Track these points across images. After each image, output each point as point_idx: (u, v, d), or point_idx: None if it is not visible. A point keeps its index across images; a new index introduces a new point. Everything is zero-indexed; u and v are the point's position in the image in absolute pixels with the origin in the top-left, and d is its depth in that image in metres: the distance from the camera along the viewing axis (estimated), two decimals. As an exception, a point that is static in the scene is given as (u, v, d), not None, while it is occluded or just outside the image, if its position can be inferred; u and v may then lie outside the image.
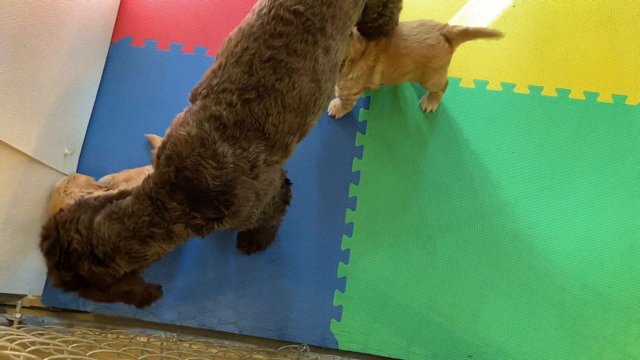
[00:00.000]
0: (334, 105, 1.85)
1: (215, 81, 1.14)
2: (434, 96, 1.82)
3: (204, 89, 1.15)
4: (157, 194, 1.09)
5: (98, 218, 1.11)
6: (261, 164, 1.14)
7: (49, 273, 1.13)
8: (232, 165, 1.09)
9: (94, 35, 1.88)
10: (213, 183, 1.08)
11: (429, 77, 1.65)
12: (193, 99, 1.18)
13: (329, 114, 1.87)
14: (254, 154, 1.12)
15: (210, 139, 1.08)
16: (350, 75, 1.61)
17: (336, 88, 1.72)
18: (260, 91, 1.11)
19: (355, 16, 1.28)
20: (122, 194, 1.18)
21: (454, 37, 1.55)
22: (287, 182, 1.48)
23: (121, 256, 1.11)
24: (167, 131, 1.15)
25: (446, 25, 1.56)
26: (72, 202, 1.54)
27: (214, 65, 1.17)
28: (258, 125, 1.12)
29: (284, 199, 1.47)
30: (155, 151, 1.14)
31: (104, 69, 1.98)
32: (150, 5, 2.07)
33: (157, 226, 1.10)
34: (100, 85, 1.96)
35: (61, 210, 1.16)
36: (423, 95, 1.87)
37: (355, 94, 1.71)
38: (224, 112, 1.10)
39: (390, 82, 1.70)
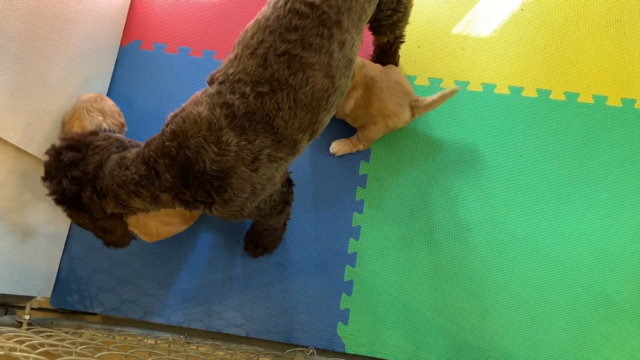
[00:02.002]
0: None
1: (231, 70, 1.15)
2: (350, 142, 1.80)
3: (221, 75, 1.17)
4: (155, 163, 1.13)
5: (114, 156, 1.17)
6: (264, 158, 1.15)
7: (51, 175, 1.16)
8: (233, 154, 1.11)
9: (103, 39, 1.89)
10: (211, 167, 1.11)
11: (378, 128, 1.70)
12: (210, 82, 1.20)
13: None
14: (258, 147, 1.13)
15: (218, 124, 1.10)
16: None
17: None
18: (274, 85, 1.12)
19: (370, 10, 1.27)
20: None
21: (418, 110, 1.68)
22: (289, 183, 1.48)
23: (110, 197, 1.16)
24: (183, 105, 1.18)
25: (417, 98, 1.67)
26: (90, 123, 1.58)
27: (231, 55, 1.18)
28: (268, 119, 1.12)
29: (285, 199, 1.46)
30: (168, 117, 1.17)
31: (113, 72, 1.99)
32: (159, 9, 2.08)
33: (144, 188, 1.14)
34: (109, 88, 1.97)
35: (94, 134, 1.22)
36: (339, 140, 1.83)
37: None
38: (236, 102, 1.11)
39: (355, 117, 1.70)
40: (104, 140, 1.20)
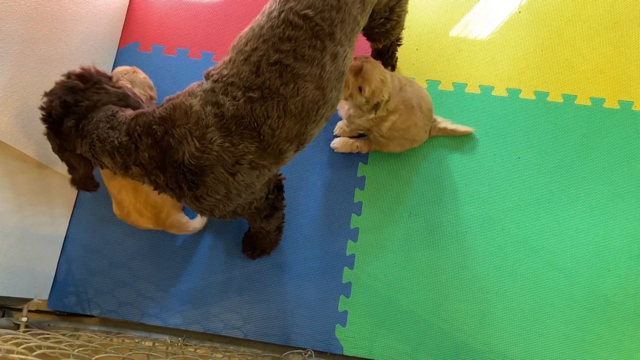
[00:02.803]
0: (339, 126, 1.84)
1: (225, 72, 1.16)
2: (355, 145, 1.80)
3: (216, 73, 1.18)
4: (138, 139, 1.14)
5: (109, 107, 1.19)
6: (245, 163, 1.16)
7: (52, 92, 1.18)
8: (214, 154, 1.13)
9: (101, 41, 1.89)
10: (189, 160, 1.12)
11: (402, 149, 1.76)
12: (206, 78, 1.21)
13: (334, 133, 1.87)
14: (241, 152, 1.14)
15: (206, 121, 1.12)
16: (374, 115, 1.61)
17: (344, 110, 1.71)
18: (265, 93, 1.13)
19: (363, 21, 1.27)
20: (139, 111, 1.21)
21: (433, 131, 1.80)
22: (279, 189, 1.48)
23: (87, 142, 1.16)
24: (178, 92, 1.20)
25: (435, 119, 1.78)
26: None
27: (226, 57, 1.20)
28: (255, 125, 1.13)
29: (274, 205, 1.47)
30: (165, 99, 1.19)
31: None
32: (157, 11, 2.08)
33: (120, 155, 1.15)
34: (107, 90, 1.97)
35: (110, 77, 1.27)
36: (343, 138, 1.83)
37: (358, 128, 1.73)
38: (227, 103, 1.13)
39: (390, 137, 1.69)
40: (112, 86, 1.23)
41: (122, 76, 1.69)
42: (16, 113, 1.43)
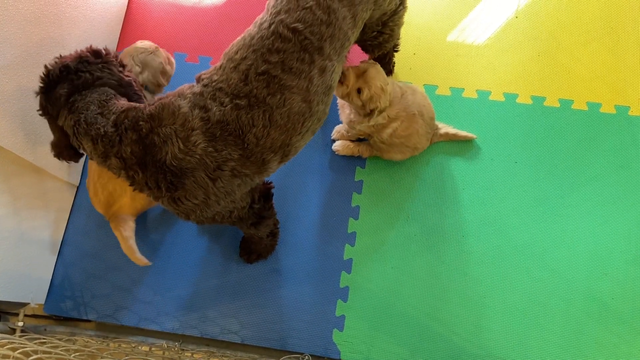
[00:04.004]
0: (337, 130, 1.85)
1: (215, 77, 1.17)
2: (356, 149, 1.81)
3: (207, 77, 1.19)
4: (124, 132, 1.14)
5: (106, 89, 1.19)
6: (227, 170, 1.16)
7: (64, 57, 1.19)
8: (197, 157, 1.13)
9: (99, 45, 1.88)
10: (171, 161, 1.13)
11: (404, 157, 1.76)
12: (197, 81, 1.22)
13: (332, 137, 1.87)
14: (223, 158, 1.15)
15: (192, 124, 1.13)
16: (371, 122, 1.60)
17: (345, 115, 1.71)
18: (251, 101, 1.14)
19: (354, 37, 1.28)
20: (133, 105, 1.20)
21: (435, 138, 1.80)
22: (266, 198, 1.47)
23: (72, 118, 1.16)
24: (168, 92, 1.20)
25: (436, 125, 1.77)
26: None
27: (218, 64, 1.21)
28: (240, 133, 1.14)
29: (260, 214, 1.46)
30: (156, 98, 1.20)
31: (109, 78, 1.99)
32: (155, 15, 2.09)
33: (103, 144, 1.15)
34: (104, 94, 1.97)
35: (122, 63, 1.29)
36: (345, 142, 1.83)
37: (359, 133, 1.72)
38: (214, 108, 1.13)
39: (391, 144, 1.70)
40: (119, 71, 1.25)
41: (137, 55, 1.60)
42: (13, 117, 1.43)
